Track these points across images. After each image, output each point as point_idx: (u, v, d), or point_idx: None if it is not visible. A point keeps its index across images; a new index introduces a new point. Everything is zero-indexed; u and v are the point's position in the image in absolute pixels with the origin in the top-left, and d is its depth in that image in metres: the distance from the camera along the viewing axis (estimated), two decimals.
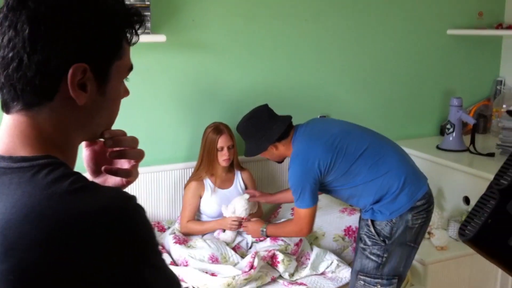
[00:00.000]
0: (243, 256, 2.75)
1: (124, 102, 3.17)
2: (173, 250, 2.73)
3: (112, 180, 1.00)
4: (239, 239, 2.85)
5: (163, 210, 3.06)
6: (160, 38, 2.77)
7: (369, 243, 2.34)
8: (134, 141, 1.00)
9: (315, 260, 2.71)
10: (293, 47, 3.28)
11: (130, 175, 0.99)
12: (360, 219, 2.45)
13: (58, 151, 0.83)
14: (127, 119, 2.93)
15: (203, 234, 2.87)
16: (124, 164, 1.01)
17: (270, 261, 2.67)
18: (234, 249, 2.77)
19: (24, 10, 0.79)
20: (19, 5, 0.80)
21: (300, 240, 2.77)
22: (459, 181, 3.11)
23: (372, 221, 2.34)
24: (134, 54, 3.07)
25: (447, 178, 3.22)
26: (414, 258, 2.80)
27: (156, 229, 2.96)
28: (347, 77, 3.47)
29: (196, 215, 2.95)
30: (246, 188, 3.00)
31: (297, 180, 2.35)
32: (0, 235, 0.72)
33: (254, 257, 2.56)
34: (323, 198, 2.96)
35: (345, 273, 2.65)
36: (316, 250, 2.77)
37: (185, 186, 2.96)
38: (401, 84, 3.64)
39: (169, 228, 2.97)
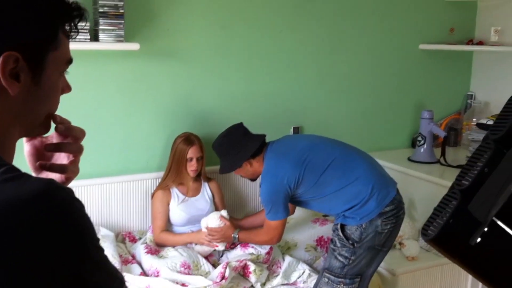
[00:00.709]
0: (214, 264, 2.74)
1: (97, 110, 3.17)
2: (144, 260, 2.70)
3: (52, 177, 0.96)
4: (210, 248, 2.83)
5: (135, 220, 3.03)
6: (134, 46, 2.77)
7: (338, 245, 2.42)
8: (82, 132, 0.98)
9: (287, 269, 2.71)
10: (268, 58, 3.30)
11: (65, 170, 0.95)
12: (333, 224, 2.53)
13: None
14: (100, 127, 2.92)
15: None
16: (63, 159, 0.98)
17: (242, 272, 2.66)
18: (206, 257, 2.76)
19: None
20: None
21: (271, 248, 2.77)
22: (430, 192, 3.14)
23: (342, 226, 2.42)
24: (108, 62, 3.09)
25: (418, 189, 3.25)
26: (386, 268, 2.83)
27: (127, 240, 2.93)
28: (321, 89, 3.50)
29: (167, 224, 2.93)
30: (213, 197, 2.99)
31: (267, 196, 2.47)
32: None
33: (225, 268, 2.55)
34: (296, 209, 2.97)
35: None
36: (288, 259, 2.77)
37: (152, 195, 2.93)
38: (374, 96, 3.68)
39: (140, 238, 2.94)
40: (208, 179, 3.02)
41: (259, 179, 2.61)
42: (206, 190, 2.99)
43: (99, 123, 2.93)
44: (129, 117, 3.00)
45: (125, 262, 2.68)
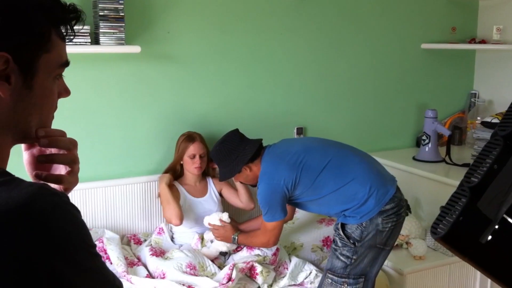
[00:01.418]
0: (220, 266, 2.73)
1: (99, 113, 3.18)
2: (149, 263, 2.69)
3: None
4: (217, 251, 2.82)
5: (140, 222, 3.02)
6: (135, 49, 2.76)
7: (340, 244, 2.41)
8: (72, 143, 0.93)
9: (293, 270, 2.69)
10: (269, 60, 3.29)
11: (61, 181, 0.92)
12: (334, 223, 2.53)
13: None
14: (102, 130, 2.91)
15: (181, 245, 2.85)
16: (62, 170, 0.95)
17: (249, 273, 2.65)
18: (211, 260, 2.75)
19: None
20: None
21: (277, 249, 2.77)
22: (436, 191, 3.13)
23: (342, 225, 2.42)
24: (109, 65, 3.10)
25: (424, 188, 3.24)
26: (393, 268, 2.82)
27: (132, 242, 2.92)
28: (324, 90, 3.49)
29: (170, 227, 2.92)
30: (221, 197, 2.99)
31: (264, 198, 2.47)
32: None
33: (232, 269, 2.54)
34: (301, 210, 2.96)
35: None
36: (294, 260, 2.76)
37: (158, 195, 2.93)
38: (377, 97, 3.67)
39: (145, 240, 2.93)
40: (214, 176, 3.03)
41: None
42: (212, 189, 2.99)
43: (101, 126, 2.92)
44: (131, 120, 2.99)
45: (130, 264, 2.67)
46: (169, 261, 2.65)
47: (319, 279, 2.63)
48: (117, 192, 2.95)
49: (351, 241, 2.38)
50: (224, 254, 2.85)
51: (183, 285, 2.50)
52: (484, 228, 1.15)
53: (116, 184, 2.95)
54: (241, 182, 2.71)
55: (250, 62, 3.24)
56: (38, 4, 0.83)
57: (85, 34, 2.65)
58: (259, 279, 2.61)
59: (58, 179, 0.92)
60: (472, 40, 3.84)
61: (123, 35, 2.72)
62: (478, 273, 2.94)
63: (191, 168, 2.88)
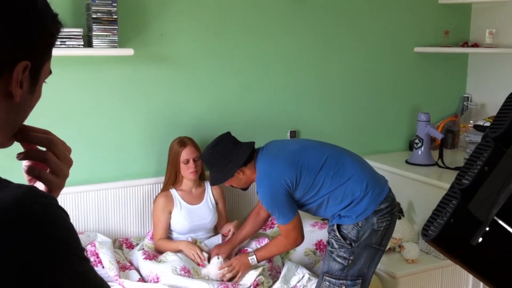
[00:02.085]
0: None
1: (92, 115, 3.16)
2: (142, 266, 2.67)
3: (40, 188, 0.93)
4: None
5: (132, 226, 3.01)
6: (128, 51, 2.76)
7: (336, 246, 2.40)
8: (48, 140, 0.92)
9: (286, 273, 2.68)
10: (262, 63, 3.29)
11: (39, 177, 0.89)
12: (328, 225, 2.51)
13: None
14: (95, 133, 2.90)
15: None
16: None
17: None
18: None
19: None
20: None
21: None
22: (429, 195, 3.13)
23: (338, 226, 2.41)
24: (102, 67, 3.08)
25: (416, 191, 3.25)
26: (386, 271, 2.82)
27: (124, 246, 2.91)
28: (317, 93, 3.49)
29: (168, 231, 2.90)
30: (217, 205, 2.97)
31: (269, 201, 2.43)
32: None
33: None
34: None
35: None
36: (287, 264, 2.76)
37: (154, 201, 2.92)
38: (370, 100, 3.68)
39: (137, 244, 2.92)
40: None
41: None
42: (209, 197, 2.96)
43: (94, 129, 2.92)
44: (124, 123, 2.98)
45: (123, 268, 2.66)
46: (163, 264, 2.64)
47: (312, 283, 2.63)
48: (109, 195, 2.93)
49: (348, 242, 2.38)
50: None
51: None
52: (475, 230, 1.15)
53: (109, 187, 2.93)
54: (232, 186, 2.67)
55: (244, 65, 3.24)
56: (51, 15, 0.87)
57: (78, 37, 2.65)
58: None
59: (37, 174, 0.89)
60: (465, 44, 3.85)
61: (116, 38, 2.72)
62: (471, 277, 2.94)
63: (187, 173, 2.85)
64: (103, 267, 2.58)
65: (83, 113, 2.87)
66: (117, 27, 2.71)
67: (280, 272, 2.73)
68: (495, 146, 1.21)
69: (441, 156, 3.37)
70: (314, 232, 2.97)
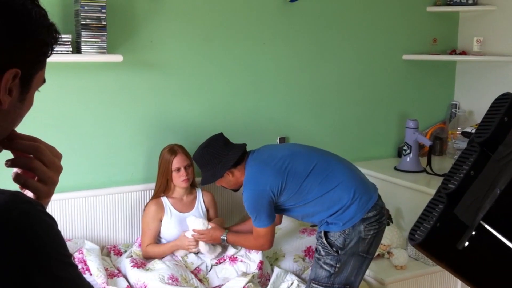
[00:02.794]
0: (202, 280, 2.70)
1: (80, 122, 3.14)
2: (130, 274, 2.65)
3: (29, 195, 0.92)
4: (198, 262, 2.80)
5: (121, 233, 2.99)
6: (117, 58, 2.75)
7: (323, 253, 2.41)
8: (33, 148, 0.91)
9: (275, 280, 2.68)
10: (252, 69, 3.30)
11: (25, 184, 0.89)
12: (316, 232, 2.53)
13: None
14: (83, 139, 2.89)
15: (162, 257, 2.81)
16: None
17: None
18: (193, 272, 2.72)
19: None
20: None
21: (261, 262, 2.74)
22: (417, 201, 3.14)
23: (325, 233, 2.42)
24: (91, 74, 3.07)
25: (405, 198, 3.26)
26: (374, 277, 2.82)
27: (112, 253, 2.89)
28: (305, 100, 3.50)
29: (156, 239, 2.89)
30: (207, 212, 2.96)
31: (251, 203, 2.46)
32: None
33: None
34: (283, 219, 2.95)
35: None
36: (276, 270, 2.75)
37: (144, 208, 2.90)
38: (358, 107, 3.69)
39: (125, 251, 2.90)
40: (203, 188, 2.99)
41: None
42: (200, 203, 2.95)
43: (83, 135, 2.90)
44: (112, 129, 2.97)
45: (110, 275, 2.64)
46: (150, 273, 2.62)
47: None
48: (97, 202, 2.92)
49: (334, 249, 2.38)
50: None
51: None
52: (461, 234, 1.16)
53: (97, 194, 2.92)
54: (223, 186, 2.68)
55: (234, 71, 3.25)
56: (46, 25, 0.87)
57: (67, 43, 2.64)
58: None
59: (22, 182, 0.89)
60: (453, 52, 3.89)
61: (105, 44, 2.71)
62: (459, 282, 2.95)
63: (179, 181, 2.84)
64: (90, 275, 2.56)
65: (71, 119, 2.86)
66: (106, 33, 2.71)
67: (269, 280, 2.72)
68: (480, 151, 1.22)
69: (429, 162, 3.39)
70: (303, 239, 2.98)
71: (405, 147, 3.49)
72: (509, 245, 1.12)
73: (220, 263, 2.79)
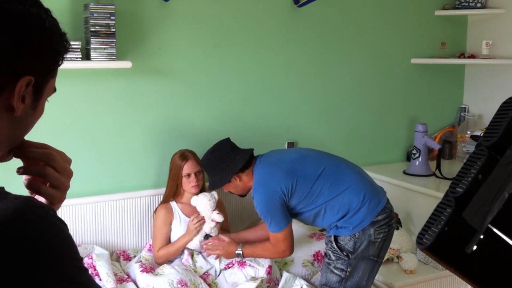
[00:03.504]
0: (211, 284, 2.70)
1: (89, 128, 3.16)
2: (139, 279, 2.66)
3: (41, 200, 0.93)
4: (207, 266, 2.80)
5: (130, 238, 3.01)
6: (126, 64, 2.77)
7: (333, 257, 2.40)
8: (46, 155, 0.92)
9: (284, 285, 2.68)
10: (259, 75, 3.31)
11: (39, 191, 0.90)
12: (326, 236, 2.51)
13: None
14: (93, 145, 2.91)
15: (171, 261, 2.82)
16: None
17: None
18: (202, 277, 2.73)
19: None
20: None
21: (270, 267, 2.74)
22: (426, 205, 3.12)
23: (335, 237, 2.41)
24: (100, 80, 3.09)
25: (414, 202, 3.25)
26: (384, 282, 2.81)
27: (121, 258, 2.90)
28: (315, 105, 3.50)
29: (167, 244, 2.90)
30: None
31: (264, 207, 2.42)
32: None
33: None
34: (293, 221, 2.95)
35: None
36: (285, 275, 2.74)
37: (154, 212, 2.91)
38: (367, 111, 3.69)
39: (135, 256, 2.91)
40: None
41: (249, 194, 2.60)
42: None
43: (93, 141, 2.92)
44: (122, 135, 2.99)
45: (120, 280, 2.65)
46: (159, 277, 2.62)
47: None
48: (107, 207, 2.93)
49: (345, 253, 2.38)
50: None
51: None
52: (470, 238, 1.16)
53: (106, 199, 2.93)
54: (230, 192, 2.67)
55: (242, 77, 3.26)
56: (60, 33, 0.89)
57: (76, 50, 2.66)
58: None
59: (36, 188, 0.91)
60: (462, 55, 3.88)
61: (114, 51, 2.73)
62: (469, 287, 2.93)
63: (189, 187, 2.85)
64: (100, 280, 2.58)
65: (80, 125, 2.88)
66: (115, 40, 2.73)
67: (278, 284, 2.72)
68: (488, 155, 1.22)
69: (438, 166, 3.38)
70: (312, 243, 2.97)
71: (414, 151, 3.48)
72: None
73: (229, 267, 2.79)
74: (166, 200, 2.91)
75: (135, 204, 3.00)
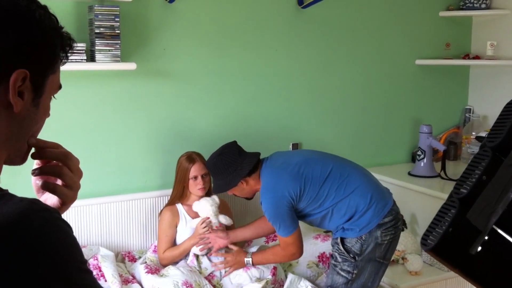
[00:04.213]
0: (216, 286, 2.70)
1: (94, 129, 3.16)
2: (144, 280, 2.67)
3: (50, 201, 0.94)
4: (212, 268, 2.80)
5: (135, 240, 3.01)
6: (130, 66, 2.78)
7: (339, 259, 2.41)
8: (64, 154, 0.93)
9: (289, 286, 2.67)
10: (264, 77, 3.31)
11: (54, 191, 0.91)
12: (332, 238, 2.51)
13: None
14: (97, 146, 2.92)
15: (176, 262, 2.82)
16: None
17: None
18: (207, 278, 2.73)
19: None
20: None
21: (275, 268, 2.74)
22: (431, 206, 3.11)
23: (342, 239, 2.41)
24: (105, 82, 3.09)
25: (419, 203, 3.24)
26: (389, 283, 2.80)
27: (126, 259, 2.91)
28: (319, 106, 3.50)
29: (173, 246, 2.90)
30: None
31: (272, 212, 2.42)
32: None
33: None
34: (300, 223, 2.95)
35: None
36: (290, 276, 2.74)
37: (159, 214, 2.92)
38: (372, 112, 3.69)
39: (140, 257, 2.91)
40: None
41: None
42: None
43: (97, 143, 2.93)
44: (127, 136, 3.00)
45: (125, 282, 2.65)
46: (164, 279, 2.63)
47: None
48: (112, 209, 2.94)
49: (351, 255, 2.38)
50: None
51: None
52: (474, 239, 1.15)
53: (111, 201, 2.94)
54: (235, 195, 2.66)
55: (246, 79, 3.26)
56: (55, 27, 0.88)
57: (81, 51, 2.67)
58: None
59: (52, 188, 0.91)
60: (466, 56, 3.87)
61: (119, 52, 2.74)
62: None
63: (195, 189, 2.84)
64: (105, 281, 2.58)
65: (85, 126, 2.89)
66: (119, 41, 2.74)
67: (283, 285, 2.72)
68: (493, 155, 1.21)
69: (443, 167, 3.37)
70: (317, 245, 2.97)
71: (419, 152, 3.47)
72: None
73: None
74: (172, 202, 2.91)
75: (140, 205, 3.01)
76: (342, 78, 3.56)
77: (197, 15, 3.08)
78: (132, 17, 2.90)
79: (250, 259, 2.64)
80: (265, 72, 3.31)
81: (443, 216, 1.21)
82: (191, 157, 2.85)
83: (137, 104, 2.99)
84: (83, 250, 2.67)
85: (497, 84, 3.80)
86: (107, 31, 2.71)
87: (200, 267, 2.80)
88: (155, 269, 2.74)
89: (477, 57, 3.80)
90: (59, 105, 2.91)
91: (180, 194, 2.88)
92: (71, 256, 0.76)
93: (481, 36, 3.87)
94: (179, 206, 2.90)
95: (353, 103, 3.62)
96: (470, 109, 3.96)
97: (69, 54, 0.92)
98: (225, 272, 2.72)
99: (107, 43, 2.72)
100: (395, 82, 3.76)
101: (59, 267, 0.74)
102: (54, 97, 0.93)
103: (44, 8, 0.87)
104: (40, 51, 0.84)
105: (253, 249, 2.89)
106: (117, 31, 2.73)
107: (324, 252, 2.92)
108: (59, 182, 0.93)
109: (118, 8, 2.73)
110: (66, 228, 0.77)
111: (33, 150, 0.92)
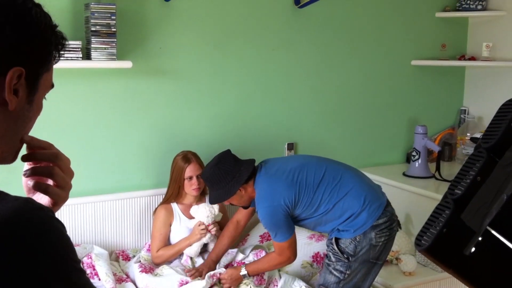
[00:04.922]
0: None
1: (90, 127, 3.16)
2: (138, 279, 2.66)
3: (41, 201, 0.93)
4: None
5: (129, 238, 3.00)
6: (126, 64, 2.77)
7: (333, 259, 2.41)
8: (54, 155, 0.92)
9: (283, 286, 2.68)
10: (261, 76, 3.31)
11: (47, 191, 0.91)
12: (327, 239, 2.53)
13: None
14: (93, 145, 2.91)
15: (171, 261, 2.81)
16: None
17: None
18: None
19: None
20: None
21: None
22: (426, 207, 3.12)
23: (336, 240, 2.42)
24: (101, 80, 3.09)
25: (414, 204, 3.25)
26: (383, 284, 2.81)
27: (120, 258, 2.90)
28: (315, 106, 3.51)
29: (166, 245, 2.89)
30: None
31: (269, 220, 2.43)
32: None
33: None
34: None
35: None
36: (284, 276, 2.74)
37: (154, 213, 2.91)
38: (367, 113, 3.69)
39: (134, 256, 2.91)
40: None
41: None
42: None
43: (92, 141, 2.92)
44: (122, 135, 2.99)
45: (119, 280, 2.65)
46: (159, 278, 2.63)
47: None
48: (106, 207, 2.93)
49: (345, 256, 2.38)
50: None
51: None
52: (468, 240, 1.16)
53: (106, 199, 2.93)
54: (232, 204, 2.63)
55: (242, 78, 3.26)
56: (50, 25, 0.88)
57: (77, 49, 2.66)
58: None
59: (44, 188, 0.91)
60: (462, 57, 3.88)
61: (115, 51, 2.74)
62: None
63: (190, 189, 2.84)
64: (99, 279, 2.58)
65: (81, 125, 2.88)
66: (115, 39, 2.73)
67: (277, 285, 2.72)
68: (487, 157, 1.22)
69: (438, 168, 3.38)
70: (311, 245, 2.97)
71: (414, 153, 3.48)
72: None
73: (225, 266, 2.79)
74: (167, 201, 2.90)
75: (134, 204, 3.00)
76: (338, 79, 3.56)
77: (194, 14, 3.07)
78: (129, 15, 2.90)
79: (246, 271, 2.61)
80: (262, 72, 3.31)
81: (437, 216, 1.21)
82: (187, 157, 2.84)
83: (132, 102, 2.98)
84: (77, 248, 2.67)
85: (493, 86, 3.81)
86: (103, 29, 2.70)
87: (194, 266, 2.80)
88: (149, 268, 2.74)
89: (472, 58, 3.81)
90: (54, 103, 2.90)
91: (176, 194, 2.88)
92: (66, 255, 0.76)
93: (477, 37, 3.88)
94: (174, 205, 2.90)
95: (349, 103, 3.62)
96: (465, 110, 3.97)
97: (61, 53, 0.91)
98: None
99: (103, 41, 2.71)
100: (391, 83, 3.77)
101: (59, 266, 0.74)
102: (45, 98, 0.93)
103: (39, 6, 0.87)
104: (36, 49, 0.85)
105: (248, 250, 2.89)
106: (113, 29, 2.72)
107: (318, 252, 2.92)
108: (50, 182, 0.93)
109: (115, 6, 2.73)
110: (60, 227, 0.78)
111: (24, 148, 0.91)
